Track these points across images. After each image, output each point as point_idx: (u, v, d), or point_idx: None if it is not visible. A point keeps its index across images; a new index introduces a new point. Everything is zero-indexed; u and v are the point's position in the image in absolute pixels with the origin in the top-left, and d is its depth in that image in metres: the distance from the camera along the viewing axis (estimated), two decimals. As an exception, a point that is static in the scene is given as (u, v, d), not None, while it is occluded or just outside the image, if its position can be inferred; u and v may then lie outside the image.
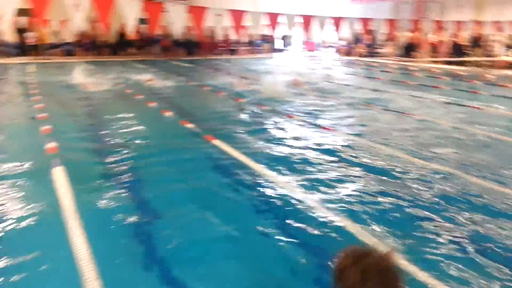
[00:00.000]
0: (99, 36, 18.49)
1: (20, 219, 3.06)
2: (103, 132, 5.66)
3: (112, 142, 5.17)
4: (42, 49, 17.37)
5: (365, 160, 4.58)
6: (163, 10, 11.42)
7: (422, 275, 2.40)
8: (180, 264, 2.58)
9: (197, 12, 11.58)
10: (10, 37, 17.62)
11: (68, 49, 18.16)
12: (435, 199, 3.51)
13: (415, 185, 3.80)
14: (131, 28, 11.94)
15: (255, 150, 4.91)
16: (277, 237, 2.90)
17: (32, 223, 3.04)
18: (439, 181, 3.90)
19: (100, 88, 9.22)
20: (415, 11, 20.43)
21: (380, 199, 3.52)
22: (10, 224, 3.00)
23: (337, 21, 13.25)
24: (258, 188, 3.78)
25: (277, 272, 2.53)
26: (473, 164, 4.40)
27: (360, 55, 21.04)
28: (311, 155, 4.72)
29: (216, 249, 2.76)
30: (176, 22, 11.91)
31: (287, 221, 3.12)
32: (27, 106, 7.48)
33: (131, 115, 6.57)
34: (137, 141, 5.19)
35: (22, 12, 16.58)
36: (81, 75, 10.10)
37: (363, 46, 21.18)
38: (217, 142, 5.10)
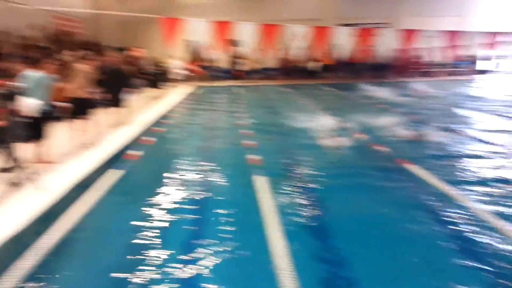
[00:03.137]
0: (299, 62, 20.29)
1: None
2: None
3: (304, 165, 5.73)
4: (248, 74, 20.10)
5: None
6: (373, 34, 11.89)
7: None
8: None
9: (407, 35, 11.60)
10: (224, 63, 20.97)
11: (271, 74, 20.54)
12: None
13: None
14: (343, 54, 12.87)
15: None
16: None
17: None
18: None
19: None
20: None
21: None
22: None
23: None
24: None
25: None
26: None
27: None
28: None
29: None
30: (385, 46, 12.21)
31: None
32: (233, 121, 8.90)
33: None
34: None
35: (236, 42, 19.51)
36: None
37: None
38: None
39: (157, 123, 8.86)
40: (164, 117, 9.65)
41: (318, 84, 18.10)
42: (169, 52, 16.47)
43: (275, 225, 3.55)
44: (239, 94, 14.60)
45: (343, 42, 13.07)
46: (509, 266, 2.98)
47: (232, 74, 20.52)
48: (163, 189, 4.63)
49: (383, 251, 3.21)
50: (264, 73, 20.54)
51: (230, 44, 18.88)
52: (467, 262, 3.01)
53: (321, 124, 7.66)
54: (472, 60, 21.33)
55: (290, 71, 20.48)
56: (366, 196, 4.35)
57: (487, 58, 21.41)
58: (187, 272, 2.92)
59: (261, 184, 4.59)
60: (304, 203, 4.12)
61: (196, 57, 19.85)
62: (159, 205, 4.15)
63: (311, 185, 4.62)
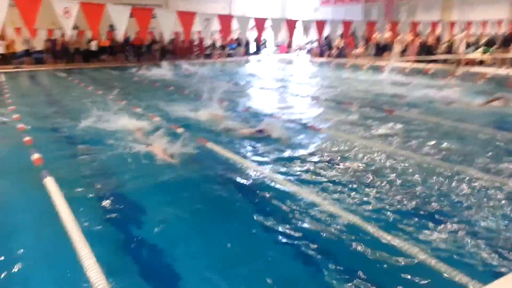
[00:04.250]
0: (72, 43, 18.16)
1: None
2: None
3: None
4: (11, 58, 16.88)
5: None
6: (153, 16, 11.30)
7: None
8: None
9: (185, 17, 11.53)
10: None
11: (38, 57, 17.72)
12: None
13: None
14: (122, 34, 11.73)
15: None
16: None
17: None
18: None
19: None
20: (385, 13, 20.98)
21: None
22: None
23: (319, 24, 13.42)
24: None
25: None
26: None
27: (330, 56, 21.42)
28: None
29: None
30: (165, 27, 11.71)
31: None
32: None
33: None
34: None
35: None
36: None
37: (334, 47, 21.58)
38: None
39: None
40: None
41: (96, 67, 16.79)
42: None
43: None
44: (2, 84, 12.06)
45: (120, 21, 12.09)
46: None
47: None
48: None
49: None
50: (30, 56, 17.62)
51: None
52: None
53: (114, 112, 6.90)
54: (245, 43, 23.56)
55: (61, 53, 18.19)
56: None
57: (259, 42, 23.98)
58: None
59: (51, 186, 3.79)
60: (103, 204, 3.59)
61: None
62: None
63: (110, 185, 4.07)
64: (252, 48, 24.40)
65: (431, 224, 3.09)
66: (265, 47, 25.05)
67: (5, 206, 3.51)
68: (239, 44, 23.07)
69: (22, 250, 2.80)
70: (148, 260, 2.75)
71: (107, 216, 3.32)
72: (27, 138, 5.56)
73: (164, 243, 2.91)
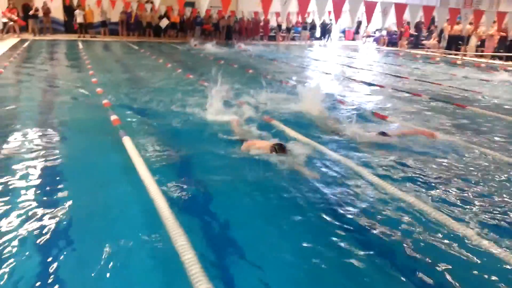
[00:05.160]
0: (145, 17, 18.92)
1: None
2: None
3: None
4: (89, 27, 17.90)
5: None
6: None
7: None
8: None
9: None
10: (59, 14, 18.35)
11: (113, 29, 18.69)
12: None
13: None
14: (203, 11, 11.77)
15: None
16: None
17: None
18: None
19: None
20: (464, 2, 19.67)
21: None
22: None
23: (398, 8, 11.98)
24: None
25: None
26: None
27: (402, 46, 20.57)
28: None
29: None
30: (244, 5, 11.63)
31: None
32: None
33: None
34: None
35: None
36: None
37: (407, 36, 20.66)
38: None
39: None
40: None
41: (163, 42, 17.38)
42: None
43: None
44: (81, 50, 12.91)
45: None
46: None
47: (67, 27, 18.11)
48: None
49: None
50: (106, 27, 18.58)
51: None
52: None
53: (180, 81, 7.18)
54: (310, 27, 23.22)
55: (134, 26, 19.01)
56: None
57: (326, 25, 23.43)
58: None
59: (128, 145, 4.07)
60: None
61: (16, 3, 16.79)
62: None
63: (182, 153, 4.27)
64: (317, 32, 23.97)
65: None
66: (330, 33, 24.48)
67: (90, 160, 3.82)
68: (304, 28, 22.77)
69: (107, 198, 3.07)
70: (220, 219, 2.90)
71: (181, 177, 3.51)
72: (105, 101, 5.95)
73: (234, 211, 3.02)
